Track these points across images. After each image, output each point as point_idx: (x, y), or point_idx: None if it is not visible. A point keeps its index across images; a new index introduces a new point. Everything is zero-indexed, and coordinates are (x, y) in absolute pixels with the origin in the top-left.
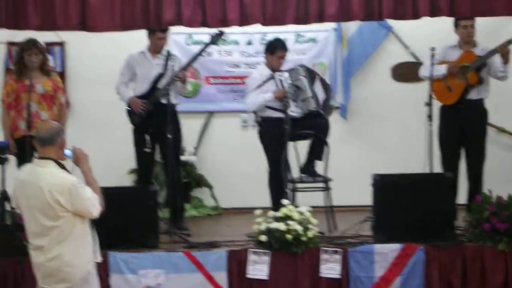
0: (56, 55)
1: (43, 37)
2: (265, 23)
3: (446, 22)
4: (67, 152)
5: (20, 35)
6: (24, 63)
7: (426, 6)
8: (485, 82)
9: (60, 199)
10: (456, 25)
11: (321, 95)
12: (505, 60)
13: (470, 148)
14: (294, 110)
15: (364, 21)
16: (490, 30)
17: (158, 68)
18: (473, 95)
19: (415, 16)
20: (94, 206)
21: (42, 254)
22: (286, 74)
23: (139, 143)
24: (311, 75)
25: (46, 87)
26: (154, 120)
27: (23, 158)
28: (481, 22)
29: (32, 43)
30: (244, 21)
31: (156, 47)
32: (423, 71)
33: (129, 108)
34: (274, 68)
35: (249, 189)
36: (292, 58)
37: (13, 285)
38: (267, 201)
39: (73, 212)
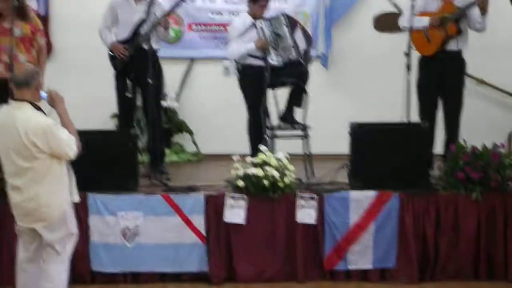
0: None
1: None
2: None
3: None
4: (43, 94)
5: None
6: None
7: None
8: (464, 33)
9: (35, 141)
10: None
11: (301, 44)
12: (483, 12)
13: (447, 98)
14: (274, 59)
15: None
16: None
17: (141, 13)
18: (452, 46)
19: None
20: (70, 147)
21: (19, 194)
22: (267, 22)
23: (120, 88)
24: (292, 24)
25: (24, 30)
26: (135, 65)
27: (2, 101)
28: None
29: None
30: None
31: None
32: (403, 22)
33: (111, 53)
34: (256, 16)
35: (230, 135)
36: (274, 7)
37: None
38: (247, 148)
39: (50, 153)
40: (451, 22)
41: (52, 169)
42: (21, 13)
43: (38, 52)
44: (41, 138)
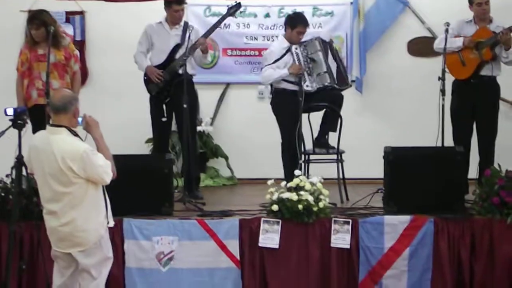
0: (77, 24)
1: (64, 6)
2: None
3: None
4: (79, 119)
5: (42, 4)
6: (31, 35)
7: None
8: (498, 59)
9: (72, 166)
10: (470, 2)
11: (333, 66)
12: (507, 47)
13: (481, 123)
14: (308, 85)
15: None
16: (506, 5)
17: (176, 38)
18: (486, 71)
19: None
20: (106, 172)
21: (55, 219)
22: (302, 47)
23: (155, 112)
24: (326, 47)
25: (58, 56)
26: (171, 89)
27: (37, 127)
28: None
29: (30, 17)
30: None
31: (173, 19)
32: (438, 44)
33: (146, 77)
34: (293, 42)
35: (264, 160)
36: (309, 31)
37: (29, 249)
38: (281, 172)
39: (86, 178)
40: (486, 47)
41: (89, 194)
42: (55, 39)
43: (72, 78)
44: (77, 163)
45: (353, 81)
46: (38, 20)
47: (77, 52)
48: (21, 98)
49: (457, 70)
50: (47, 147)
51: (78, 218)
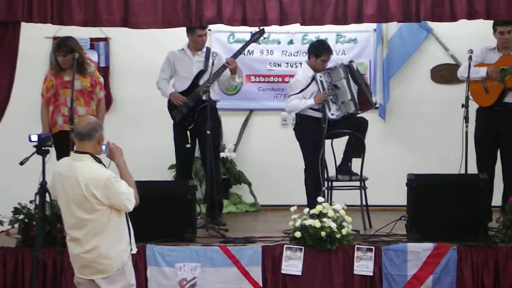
0: (101, 51)
1: (89, 32)
2: (304, 23)
3: (486, 24)
4: (103, 146)
5: (67, 31)
6: (58, 61)
7: (463, 9)
8: None
9: (96, 193)
10: (494, 29)
11: (355, 90)
12: None
13: (506, 150)
14: (333, 113)
15: (402, 22)
16: None
17: (199, 65)
18: (510, 98)
19: (453, 18)
20: (129, 199)
21: (79, 245)
22: (326, 74)
23: (179, 138)
24: (348, 73)
25: (84, 83)
26: (194, 116)
27: (61, 153)
28: None
29: (58, 44)
30: (283, 20)
31: (195, 45)
32: (462, 72)
33: (170, 104)
34: (317, 70)
35: (287, 186)
36: (333, 58)
37: (52, 275)
38: (304, 199)
39: (109, 205)
40: (510, 74)
41: (112, 220)
42: (81, 66)
43: (97, 105)
44: (101, 190)
45: (376, 107)
46: (66, 47)
47: (101, 79)
48: (46, 124)
49: (480, 97)
50: (71, 173)
51: (101, 245)
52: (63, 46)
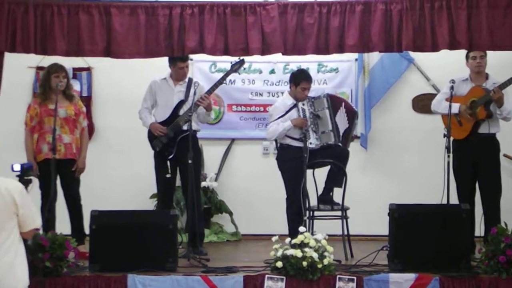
0: (84, 80)
1: (71, 62)
2: (286, 52)
3: None
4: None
5: (48, 61)
6: (50, 86)
7: (445, 39)
8: (495, 116)
9: (16, 197)
10: (467, 57)
11: (343, 125)
12: (499, 105)
13: (484, 181)
14: (312, 142)
15: (384, 52)
16: (502, 62)
17: (180, 95)
18: (483, 129)
19: (434, 48)
20: (38, 215)
21: None
22: (310, 103)
23: (160, 168)
24: (335, 104)
25: (68, 111)
26: (174, 146)
27: (46, 181)
28: (498, 56)
29: (59, 66)
30: (265, 50)
31: (177, 76)
32: (435, 106)
33: (150, 134)
34: (298, 99)
35: (269, 215)
36: (314, 88)
37: None
38: (285, 228)
39: (20, 216)
40: (480, 106)
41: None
42: (69, 94)
43: (80, 134)
44: (18, 195)
45: (358, 137)
46: (64, 71)
47: (84, 109)
48: (30, 153)
49: (455, 130)
50: None
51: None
52: (62, 70)
